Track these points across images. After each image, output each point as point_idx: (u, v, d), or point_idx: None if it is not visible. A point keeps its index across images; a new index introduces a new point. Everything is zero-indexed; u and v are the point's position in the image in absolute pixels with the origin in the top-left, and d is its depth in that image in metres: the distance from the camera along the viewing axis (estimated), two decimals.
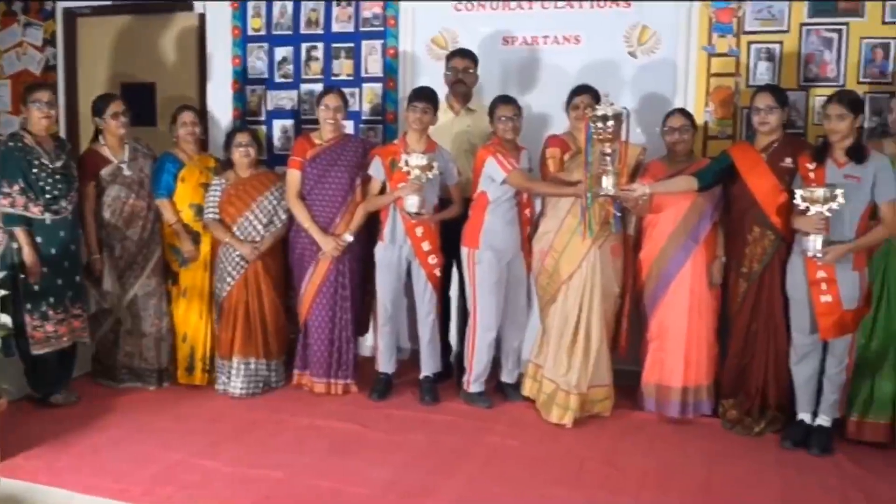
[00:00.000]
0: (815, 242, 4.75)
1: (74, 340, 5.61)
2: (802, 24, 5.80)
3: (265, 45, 6.93)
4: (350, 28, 6.70)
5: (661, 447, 5.15)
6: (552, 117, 6.16)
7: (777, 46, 5.86)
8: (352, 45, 6.72)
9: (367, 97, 6.74)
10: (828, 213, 4.71)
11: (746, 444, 5.19)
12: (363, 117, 6.76)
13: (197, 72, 7.11)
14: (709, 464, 4.89)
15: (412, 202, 5.46)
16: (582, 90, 5.54)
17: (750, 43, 5.91)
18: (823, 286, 4.85)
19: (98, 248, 5.90)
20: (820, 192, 4.70)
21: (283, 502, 4.40)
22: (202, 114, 6.85)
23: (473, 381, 5.78)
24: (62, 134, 7.06)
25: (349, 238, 5.83)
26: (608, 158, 4.97)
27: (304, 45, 6.83)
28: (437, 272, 5.78)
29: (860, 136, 4.97)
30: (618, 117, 4.93)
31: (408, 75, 6.61)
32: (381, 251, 5.81)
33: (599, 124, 4.93)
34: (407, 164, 5.42)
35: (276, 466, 4.77)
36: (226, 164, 6.12)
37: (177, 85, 7.13)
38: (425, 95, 5.68)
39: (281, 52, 6.90)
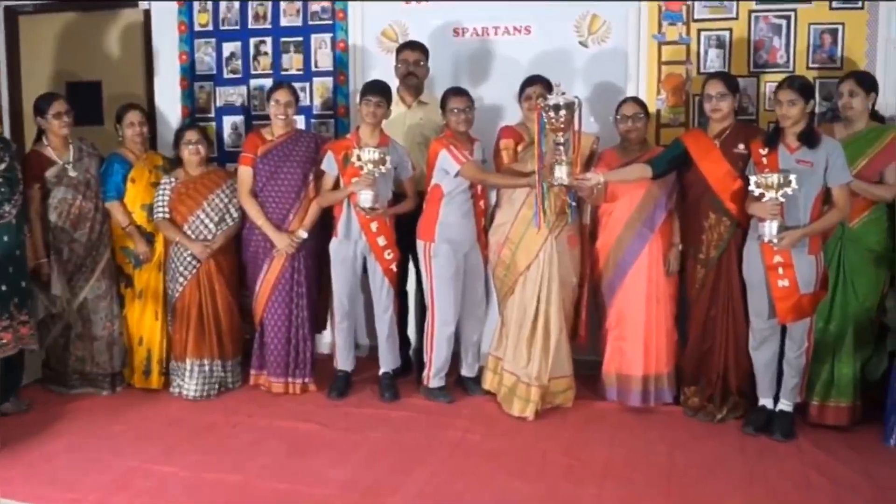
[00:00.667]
0: (770, 228, 4.74)
1: (21, 347, 5.38)
2: (751, 11, 5.79)
3: (212, 40, 6.80)
4: (298, 22, 6.60)
5: (624, 436, 5.13)
6: (505, 108, 6.13)
7: (727, 33, 5.84)
8: (301, 39, 6.61)
9: (317, 91, 6.65)
10: (782, 199, 4.69)
11: (709, 430, 5.19)
12: (314, 112, 6.67)
13: (143, 69, 6.97)
14: (671, 451, 4.88)
15: (366, 197, 5.40)
16: (534, 80, 5.49)
17: (700, 30, 5.88)
18: (780, 271, 4.84)
19: (45, 251, 5.76)
20: (774, 178, 4.68)
21: None
22: (150, 111, 6.74)
23: (433, 376, 5.73)
24: (6, 135, 6.81)
25: (303, 234, 5.76)
26: (561, 148, 4.93)
27: (252, 40, 6.72)
28: (394, 267, 5.73)
29: (812, 121, 4.94)
30: (570, 106, 4.88)
31: (358, 69, 6.53)
32: (335, 246, 5.74)
33: (552, 114, 4.88)
34: (359, 158, 5.34)
35: (233, 470, 4.69)
36: (175, 163, 6.00)
37: (123, 82, 6.98)
38: (379, 89, 5.60)
39: (229, 48, 6.78)
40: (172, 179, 5.82)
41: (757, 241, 4.90)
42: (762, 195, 4.73)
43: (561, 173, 4.95)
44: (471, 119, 5.57)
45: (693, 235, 5.35)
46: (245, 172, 5.79)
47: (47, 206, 5.75)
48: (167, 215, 5.77)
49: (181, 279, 5.77)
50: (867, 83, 5.10)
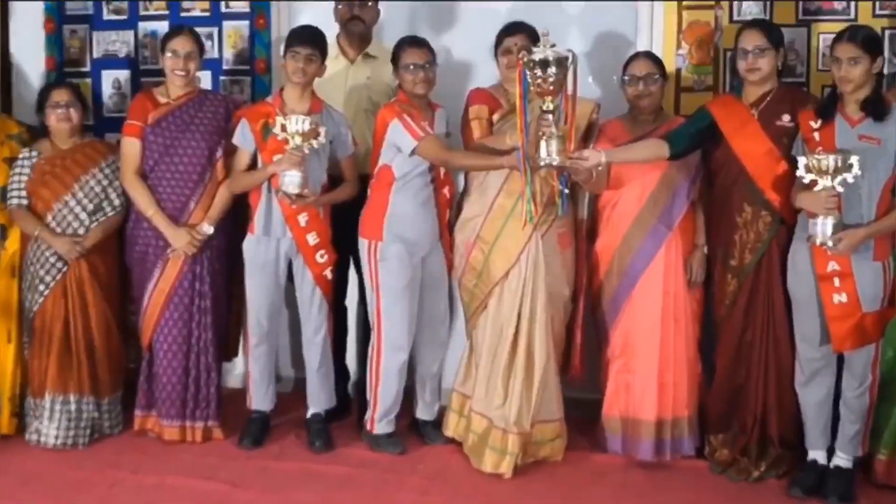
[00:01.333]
0: (824, 226, 4.27)
1: None
2: None
3: None
4: None
5: (631, 501, 4.68)
6: (476, 66, 5.64)
7: None
8: None
9: (228, 40, 6.04)
10: (840, 188, 4.25)
11: (742, 492, 4.70)
12: (225, 67, 6.08)
13: None
14: None
15: (291, 180, 4.84)
16: (514, 29, 5.04)
17: None
18: (836, 282, 4.39)
19: None
20: (829, 160, 4.23)
21: None
22: (3, 64, 6.20)
23: (379, 419, 5.19)
24: None
25: (208, 230, 5.19)
26: (550, 118, 4.43)
27: None
28: (329, 273, 5.21)
29: (880, 86, 4.50)
30: (561, 62, 4.38)
31: (283, 11, 5.97)
32: (252, 246, 5.18)
33: (538, 72, 4.38)
34: (284, 129, 4.83)
35: None
36: (37, 132, 5.46)
37: None
38: (309, 37, 5.09)
39: None
40: (34, 154, 5.28)
41: (806, 244, 4.44)
42: (814, 183, 4.30)
43: (549, 150, 4.41)
44: (431, 78, 5.08)
45: (722, 235, 4.89)
46: (131, 146, 5.22)
47: None
48: (25, 201, 5.23)
49: (42, 287, 5.18)
50: None
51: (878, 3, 5.23)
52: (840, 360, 4.58)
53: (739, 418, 4.87)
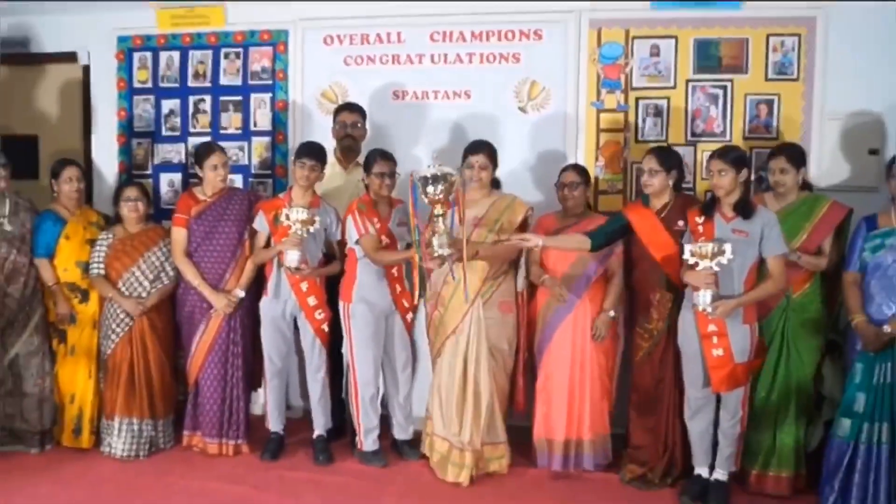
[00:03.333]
0: (704, 297, 4.83)
1: None
2: (688, 81, 6.05)
3: (151, 97, 6.92)
4: (238, 81, 6.75)
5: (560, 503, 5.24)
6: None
7: (664, 102, 6.09)
8: (240, 98, 6.76)
9: (255, 151, 6.78)
10: (716, 268, 4.81)
11: (645, 498, 5.31)
12: (252, 171, 6.79)
13: (81, 124, 7.08)
14: None
15: (292, 257, 5.51)
16: (476, 148, 5.59)
17: (638, 98, 6.12)
18: (714, 340, 4.95)
19: None
20: (708, 247, 4.81)
21: None
22: (87, 167, 6.83)
23: (364, 438, 5.80)
24: None
25: (241, 294, 5.87)
26: (440, 220, 5.02)
27: (191, 98, 6.83)
28: (325, 327, 5.83)
29: (747, 192, 5.10)
30: (446, 179, 4.95)
31: (297, 129, 6.67)
32: (265, 305, 5.85)
33: (429, 188, 4.97)
34: (288, 217, 5.47)
35: None
36: (111, 219, 6.12)
37: (61, 137, 7.09)
38: (313, 152, 5.75)
39: (168, 105, 6.89)
40: (110, 235, 5.92)
41: (692, 311, 5.00)
42: (696, 264, 4.85)
43: (441, 244, 5.03)
44: (393, 183, 5.65)
45: (641, 307, 5.49)
46: (178, 234, 5.88)
47: None
48: (102, 272, 5.86)
49: (113, 336, 5.84)
50: (797, 159, 5.29)
51: (746, 128, 5.93)
52: (718, 398, 5.09)
53: (652, 444, 5.41)
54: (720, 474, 5.19)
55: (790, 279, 5.15)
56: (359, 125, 6.13)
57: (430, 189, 4.95)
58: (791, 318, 5.25)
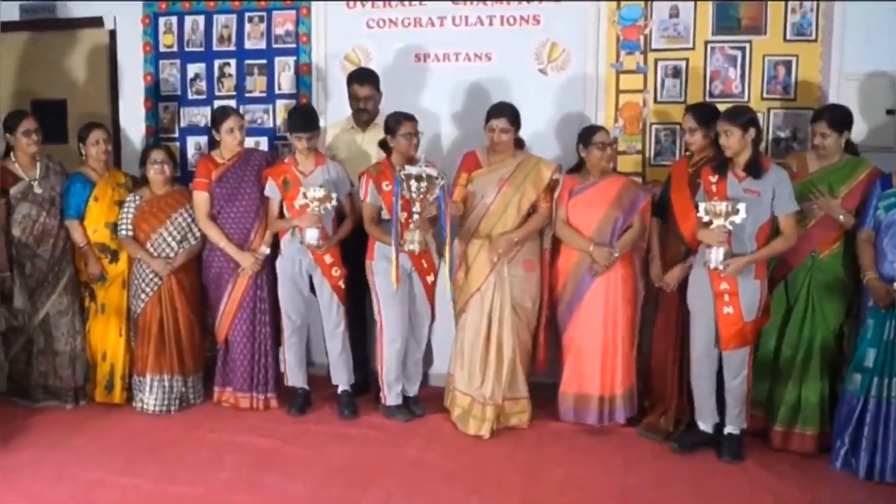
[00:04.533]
0: (717, 254, 4.91)
1: None
2: (707, 42, 6.03)
3: (177, 61, 6.96)
4: (262, 45, 6.77)
5: (579, 456, 5.28)
6: (467, 135, 6.28)
7: (683, 63, 6.08)
8: (264, 61, 6.78)
9: (280, 113, 6.79)
10: (729, 227, 4.89)
11: (662, 450, 5.36)
12: (277, 133, 6.82)
13: (108, 88, 7.11)
14: (624, 471, 5.06)
15: (311, 235, 5.61)
16: (497, 112, 5.59)
17: (657, 60, 6.12)
18: (726, 297, 5.01)
19: (8, 265, 5.87)
20: (722, 206, 4.87)
21: None
22: (114, 130, 6.88)
23: (388, 393, 5.87)
24: None
25: (266, 250, 5.94)
26: (416, 217, 5.26)
27: (216, 62, 6.87)
28: (342, 284, 5.87)
29: (756, 151, 5.07)
30: (430, 178, 5.14)
31: (320, 91, 6.71)
32: (281, 263, 5.91)
33: (412, 184, 5.15)
34: (305, 196, 5.54)
35: (194, 483, 4.86)
36: (139, 181, 6.17)
37: (88, 102, 7.11)
38: (304, 125, 5.77)
39: (193, 69, 6.93)
40: (137, 197, 5.98)
41: (704, 268, 5.05)
42: (710, 222, 4.93)
43: (412, 239, 5.31)
44: (419, 142, 5.70)
45: (668, 256, 5.58)
46: (201, 197, 5.95)
47: (11, 221, 5.87)
48: (131, 233, 5.94)
49: (143, 295, 5.93)
50: (838, 123, 5.22)
51: (764, 89, 5.91)
52: (720, 357, 5.14)
53: (668, 396, 5.55)
54: (732, 429, 5.23)
55: (818, 239, 5.22)
56: (372, 97, 6.14)
57: (412, 185, 5.16)
58: (816, 277, 5.24)
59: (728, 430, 5.24)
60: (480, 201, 5.62)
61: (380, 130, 5.96)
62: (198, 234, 6.03)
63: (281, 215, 5.89)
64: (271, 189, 5.83)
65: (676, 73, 6.09)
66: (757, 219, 4.97)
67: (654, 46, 6.11)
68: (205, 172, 5.94)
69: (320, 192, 5.52)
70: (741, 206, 4.84)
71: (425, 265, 5.77)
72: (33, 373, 6.04)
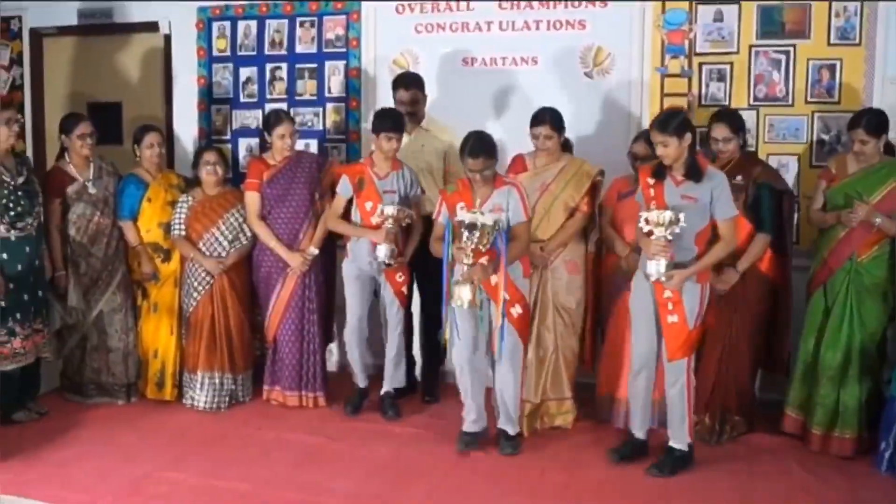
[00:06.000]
0: (658, 266, 4.77)
1: (37, 356, 5.63)
2: (751, 46, 6.00)
3: (230, 65, 7.05)
4: (313, 49, 6.83)
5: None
6: (512, 137, 6.11)
7: (727, 67, 6.05)
8: (315, 65, 6.85)
9: (330, 116, 6.86)
10: (670, 237, 4.73)
11: (704, 452, 5.26)
12: (326, 136, 6.88)
13: (163, 91, 7.21)
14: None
15: (384, 252, 5.55)
16: (539, 120, 5.53)
17: (701, 63, 6.09)
18: (670, 306, 4.89)
19: (63, 264, 5.95)
20: (665, 216, 4.71)
21: None
22: (167, 132, 6.95)
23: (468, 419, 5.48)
24: (28, 152, 7.12)
25: (315, 251, 5.96)
26: (466, 269, 4.97)
27: (268, 66, 6.95)
28: (405, 289, 5.85)
29: (693, 155, 4.87)
30: (485, 227, 4.89)
31: (370, 95, 6.75)
32: (347, 266, 5.91)
33: (465, 232, 4.91)
34: (382, 213, 5.53)
35: (242, 479, 4.91)
36: (190, 182, 6.23)
37: (143, 104, 7.22)
38: (396, 125, 5.68)
39: (245, 73, 7.02)
40: (190, 198, 6.02)
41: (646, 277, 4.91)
42: (651, 232, 4.77)
43: (461, 295, 5.00)
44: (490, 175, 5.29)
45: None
46: (252, 198, 5.98)
47: (67, 220, 5.95)
48: (183, 233, 5.97)
49: (195, 294, 5.99)
50: (876, 128, 5.16)
51: (809, 92, 5.86)
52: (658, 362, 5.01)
53: (709, 397, 5.44)
54: (674, 443, 5.05)
55: (858, 242, 5.15)
56: (417, 101, 6.11)
57: (464, 234, 4.91)
58: (855, 281, 5.18)
59: (671, 443, 5.07)
60: None
61: (426, 134, 6.09)
62: (249, 234, 6.06)
63: (346, 215, 5.84)
64: (344, 186, 5.78)
65: (721, 76, 6.06)
66: (695, 224, 4.80)
67: (698, 50, 6.08)
68: (256, 173, 5.98)
69: (396, 211, 5.53)
70: (682, 215, 4.69)
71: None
72: (86, 369, 6.11)
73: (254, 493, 4.73)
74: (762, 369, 5.72)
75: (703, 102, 6.10)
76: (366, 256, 5.77)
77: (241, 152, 7.07)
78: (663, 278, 4.77)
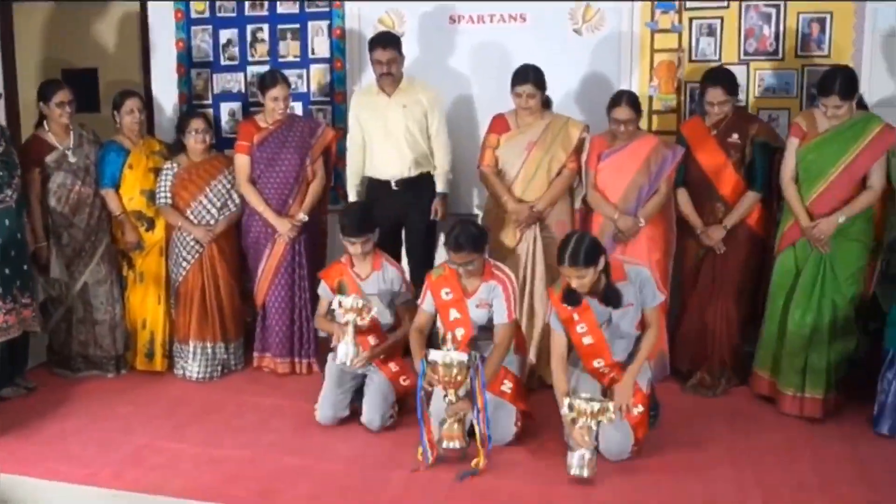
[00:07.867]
0: (581, 457, 4.34)
1: (24, 330, 5.53)
2: (742, 0, 5.96)
3: (209, 27, 6.91)
4: (295, 9, 6.72)
5: None
6: (500, 97, 5.93)
7: (718, 22, 6.02)
8: (298, 26, 6.73)
9: (314, 78, 6.79)
10: (595, 427, 4.39)
11: (705, 405, 5.41)
12: (311, 98, 6.81)
13: (140, 56, 7.11)
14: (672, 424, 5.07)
15: (343, 352, 5.06)
16: (522, 78, 5.52)
17: (692, 18, 6.05)
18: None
19: (45, 235, 5.91)
20: (594, 406, 4.36)
21: (251, 479, 4.54)
22: (147, 98, 6.85)
23: None
24: (2, 120, 6.85)
25: (304, 217, 5.95)
26: (449, 407, 4.60)
27: (249, 27, 6.83)
28: (403, 380, 5.27)
29: (608, 276, 4.61)
30: (460, 364, 4.50)
31: (355, 55, 6.66)
32: (331, 363, 5.32)
33: (441, 371, 4.52)
34: (340, 305, 5.05)
35: (241, 446, 4.92)
36: (173, 148, 6.17)
37: (120, 70, 7.15)
38: (363, 227, 5.19)
39: (226, 35, 6.89)
40: (175, 165, 5.97)
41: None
42: (575, 420, 4.39)
43: (451, 436, 4.62)
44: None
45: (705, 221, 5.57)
46: (242, 160, 5.95)
47: (47, 190, 5.88)
48: (170, 201, 5.93)
49: (184, 263, 5.96)
50: (850, 91, 5.01)
51: (799, 47, 5.86)
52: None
53: (703, 351, 5.57)
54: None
55: (839, 199, 5.08)
56: (396, 60, 5.93)
57: (440, 372, 4.52)
58: (837, 243, 5.10)
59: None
60: (510, 164, 5.62)
61: (405, 94, 5.97)
62: (238, 201, 6.04)
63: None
64: (323, 290, 5.39)
65: (711, 31, 6.04)
66: (635, 318, 4.70)
67: (688, 5, 6.05)
68: (247, 136, 5.95)
69: (356, 303, 5.01)
70: (610, 405, 4.37)
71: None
72: (73, 342, 6.06)
73: (255, 460, 4.73)
74: (751, 324, 5.72)
75: (693, 58, 6.08)
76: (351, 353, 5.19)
77: (223, 117, 6.99)
78: (585, 472, 4.32)
